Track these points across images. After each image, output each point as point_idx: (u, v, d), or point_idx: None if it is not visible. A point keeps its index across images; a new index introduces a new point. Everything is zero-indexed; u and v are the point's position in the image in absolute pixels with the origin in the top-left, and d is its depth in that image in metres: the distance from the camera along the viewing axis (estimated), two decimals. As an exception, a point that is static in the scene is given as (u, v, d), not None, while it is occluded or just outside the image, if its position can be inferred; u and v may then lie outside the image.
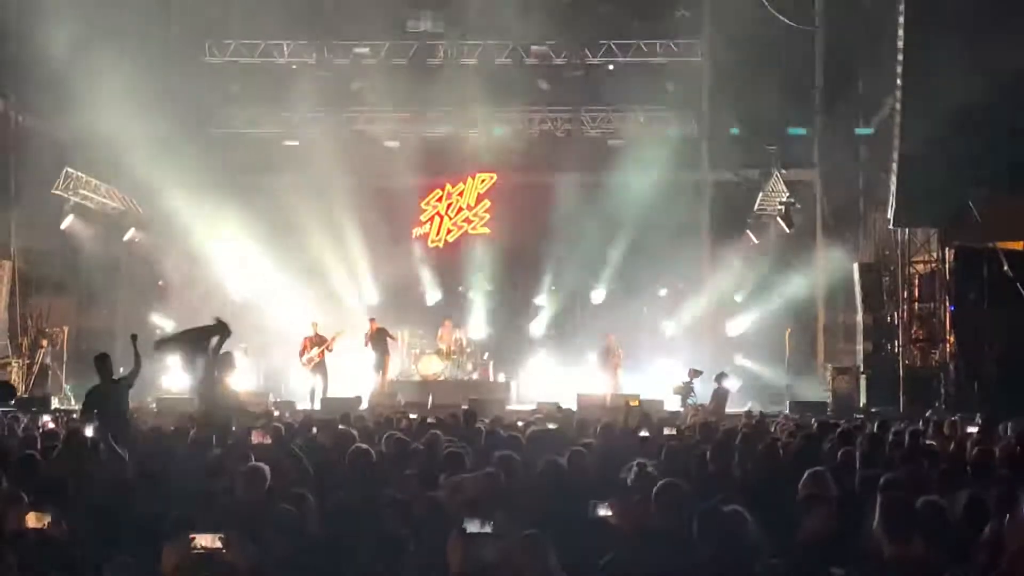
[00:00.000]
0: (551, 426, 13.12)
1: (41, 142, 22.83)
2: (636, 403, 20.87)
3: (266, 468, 7.47)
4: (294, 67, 28.08)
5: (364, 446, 9.08)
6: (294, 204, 26.42)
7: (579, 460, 8.57)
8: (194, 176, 24.76)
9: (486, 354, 26.52)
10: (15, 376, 22.59)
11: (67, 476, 8.09)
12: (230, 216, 25.34)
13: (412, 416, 15.51)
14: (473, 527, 5.94)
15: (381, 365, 24.16)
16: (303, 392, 23.36)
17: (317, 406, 21.78)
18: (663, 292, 27.88)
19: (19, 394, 21.74)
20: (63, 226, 24.08)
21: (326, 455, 9.88)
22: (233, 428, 12.29)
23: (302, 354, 23.74)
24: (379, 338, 24.27)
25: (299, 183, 26.92)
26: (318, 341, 23.75)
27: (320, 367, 23.58)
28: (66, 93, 22.11)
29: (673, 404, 21.79)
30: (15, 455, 9.13)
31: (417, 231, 28.43)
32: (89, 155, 23.79)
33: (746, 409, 18.93)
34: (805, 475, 7.66)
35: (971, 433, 12.17)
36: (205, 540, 5.78)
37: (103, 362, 12.96)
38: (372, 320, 24.71)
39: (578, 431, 12.27)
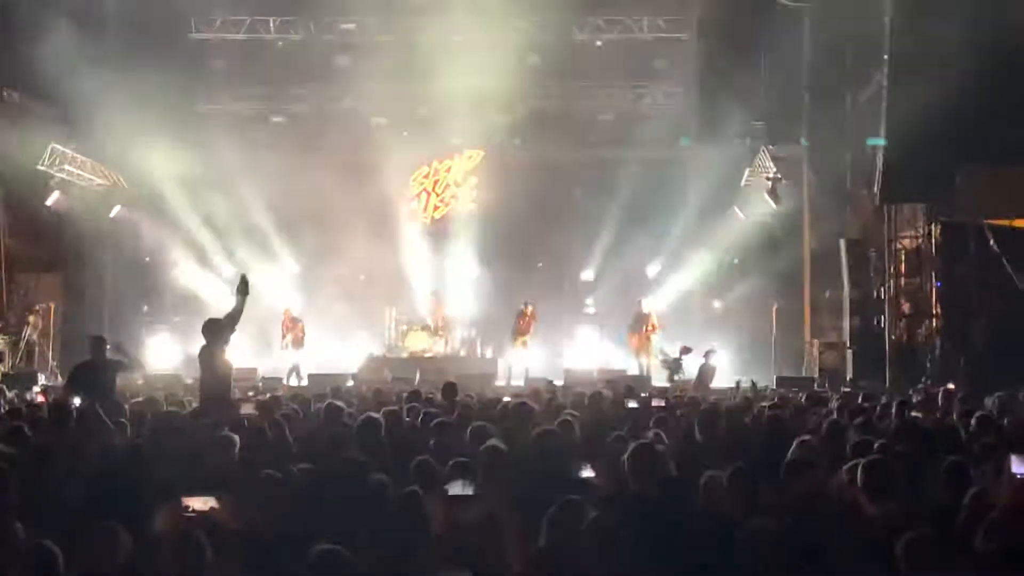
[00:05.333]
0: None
1: (26, 118, 22.68)
2: (624, 378, 20.94)
3: (235, 436, 7.56)
4: (280, 44, 27.99)
5: (374, 415, 9.16)
6: (280, 181, 26.36)
7: (567, 430, 8.66)
8: (180, 153, 24.72)
9: (474, 330, 26.52)
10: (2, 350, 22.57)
11: (54, 446, 8.09)
12: (216, 193, 25.29)
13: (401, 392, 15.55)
14: (455, 489, 5.98)
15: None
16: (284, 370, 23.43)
17: (302, 382, 21.83)
18: (652, 268, 27.86)
19: (5, 370, 21.72)
20: (49, 202, 23.96)
21: (312, 427, 9.92)
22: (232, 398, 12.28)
23: (283, 337, 24.14)
24: None
25: (285, 160, 26.84)
26: (292, 326, 24.15)
27: (299, 344, 23.94)
28: (52, 69, 21.98)
29: (661, 379, 21.86)
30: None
31: (404, 208, 28.36)
32: (75, 131, 23.67)
33: (732, 385, 18.95)
34: (795, 442, 7.73)
35: (956, 405, 12.21)
36: (197, 503, 5.81)
37: (98, 342, 12.96)
38: None
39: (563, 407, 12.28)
